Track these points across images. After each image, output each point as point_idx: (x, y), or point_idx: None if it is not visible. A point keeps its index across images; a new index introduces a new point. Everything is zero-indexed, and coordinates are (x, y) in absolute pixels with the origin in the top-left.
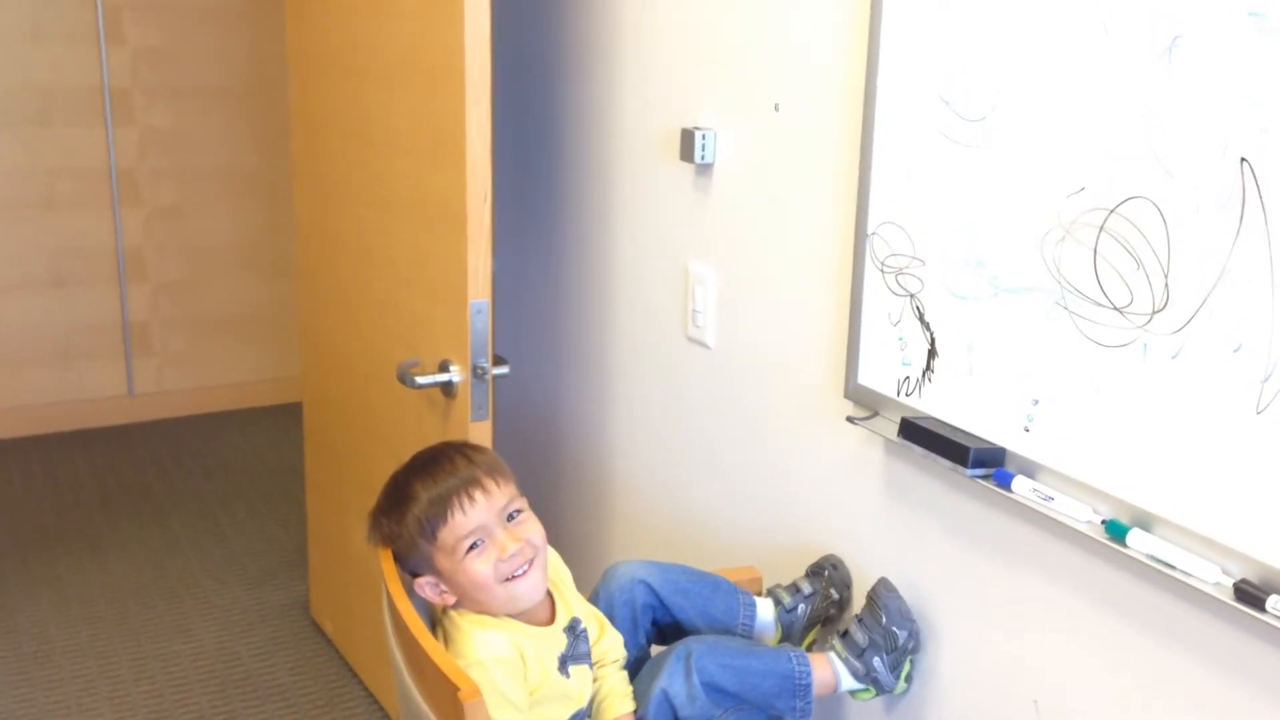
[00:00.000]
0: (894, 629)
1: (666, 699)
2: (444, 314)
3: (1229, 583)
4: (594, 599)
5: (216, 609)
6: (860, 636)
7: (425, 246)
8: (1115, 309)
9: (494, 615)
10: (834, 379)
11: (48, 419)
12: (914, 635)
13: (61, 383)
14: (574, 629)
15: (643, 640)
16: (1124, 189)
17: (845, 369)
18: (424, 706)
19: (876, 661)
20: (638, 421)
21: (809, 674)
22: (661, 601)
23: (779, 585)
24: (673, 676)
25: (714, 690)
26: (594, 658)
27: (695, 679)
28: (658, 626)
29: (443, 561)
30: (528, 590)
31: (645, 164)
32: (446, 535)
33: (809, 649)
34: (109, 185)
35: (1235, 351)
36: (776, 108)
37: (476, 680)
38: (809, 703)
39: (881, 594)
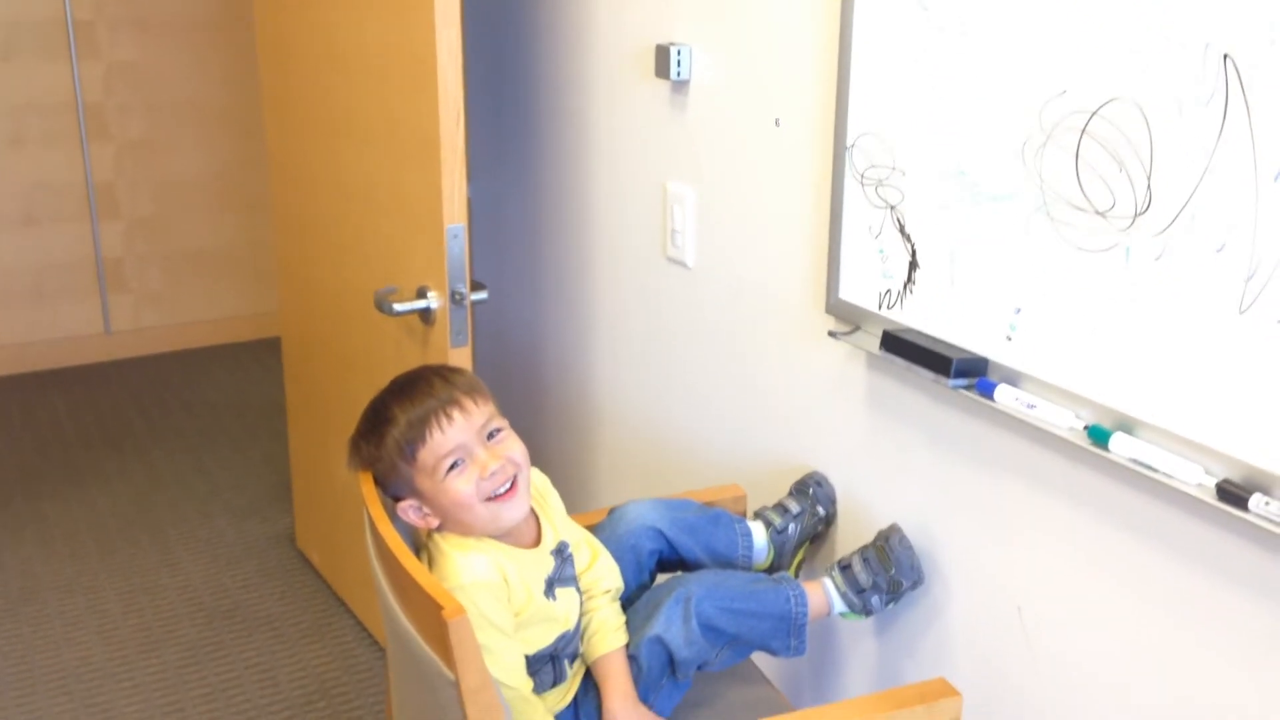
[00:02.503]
0: (900, 579)
1: (661, 644)
2: (420, 240)
3: (1211, 483)
4: (599, 535)
5: (202, 543)
6: (864, 577)
7: (399, 173)
8: (1098, 213)
9: (477, 537)
10: (815, 295)
11: (24, 358)
12: (918, 583)
13: (36, 322)
14: (561, 552)
15: (646, 579)
16: (1105, 91)
17: (826, 284)
18: (409, 627)
19: (875, 600)
20: (618, 343)
21: (806, 613)
22: (670, 543)
23: (766, 507)
24: (670, 621)
25: (711, 632)
26: (584, 585)
27: (694, 623)
28: (661, 562)
29: (424, 483)
30: (510, 510)
31: (620, 83)
32: (426, 456)
33: (798, 567)
34: (76, 120)
35: (1218, 251)
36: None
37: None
38: (803, 641)
39: (895, 546)
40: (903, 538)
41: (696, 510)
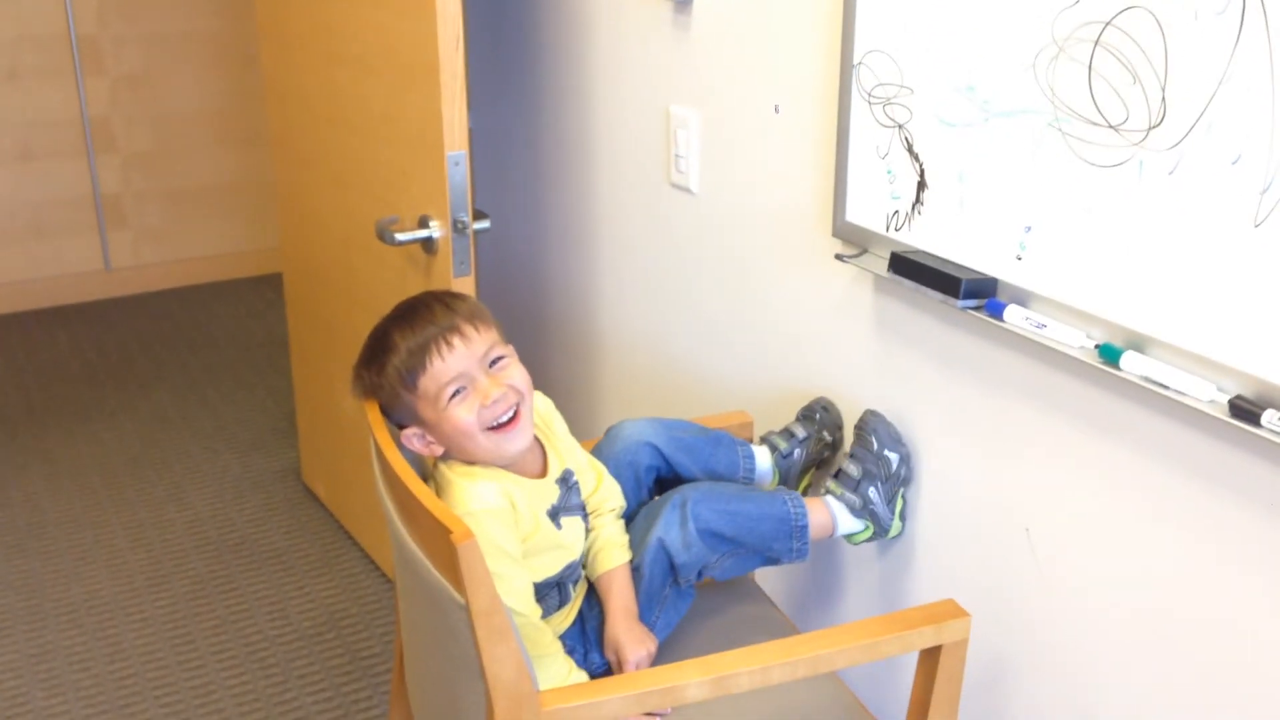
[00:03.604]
0: (886, 453)
1: (663, 547)
2: (421, 169)
3: (1224, 400)
4: (596, 457)
5: (209, 477)
6: (854, 469)
7: (399, 100)
8: (1111, 127)
9: (483, 465)
10: (821, 217)
11: (24, 296)
12: (905, 461)
13: (36, 259)
14: (566, 481)
15: (645, 497)
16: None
17: (833, 206)
18: (418, 553)
19: (872, 492)
20: (622, 271)
21: (805, 515)
22: (666, 460)
23: (773, 432)
24: (669, 525)
25: (710, 536)
26: (590, 507)
27: (691, 525)
28: (660, 482)
29: (426, 411)
30: (512, 441)
31: (622, 3)
32: (427, 384)
33: (804, 492)
34: (70, 54)
35: (1234, 164)
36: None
37: None
38: (805, 543)
39: (869, 421)
40: (874, 412)
41: (697, 431)
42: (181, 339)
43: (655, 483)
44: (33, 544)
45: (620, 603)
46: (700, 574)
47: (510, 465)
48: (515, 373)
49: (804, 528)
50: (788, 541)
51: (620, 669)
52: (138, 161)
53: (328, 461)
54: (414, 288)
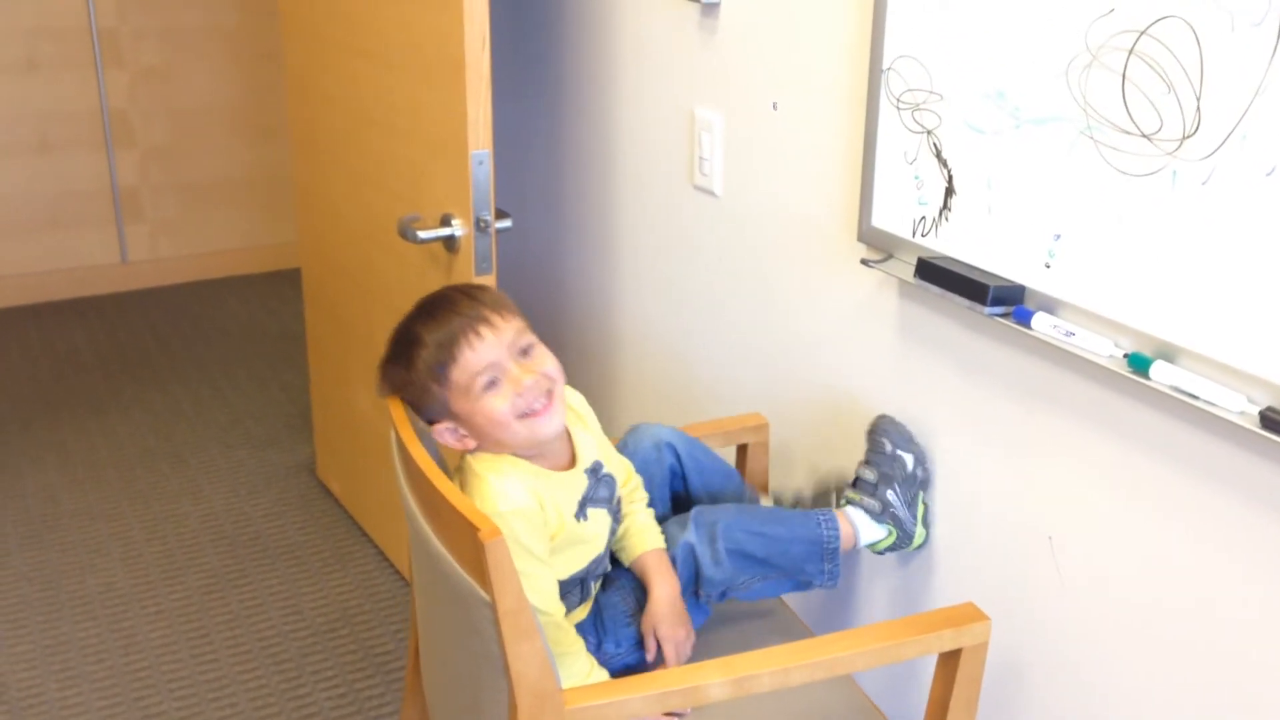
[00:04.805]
0: (899, 453)
1: (692, 553)
2: (444, 167)
3: (1255, 411)
4: (620, 451)
5: (223, 471)
6: (870, 474)
7: (423, 97)
8: (1144, 136)
9: (513, 457)
10: (847, 222)
11: (41, 288)
12: (921, 461)
13: (53, 250)
14: (596, 472)
15: (667, 498)
16: (1155, 8)
17: (859, 212)
18: (442, 550)
19: (890, 494)
20: (644, 274)
21: (837, 537)
22: (683, 467)
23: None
24: (700, 539)
25: (740, 557)
26: (624, 496)
27: (720, 545)
28: (672, 492)
29: (459, 404)
30: (546, 425)
31: (648, 5)
32: (458, 375)
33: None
34: (90, 46)
35: (1268, 175)
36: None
37: None
38: (837, 565)
39: (880, 424)
40: (886, 416)
41: (711, 456)
42: (197, 333)
43: (669, 490)
44: (48, 536)
45: (670, 577)
46: (724, 594)
47: (539, 456)
48: (545, 360)
49: (835, 550)
50: (819, 564)
51: (658, 646)
52: (155, 154)
53: (343, 458)
54: (435, 286)
